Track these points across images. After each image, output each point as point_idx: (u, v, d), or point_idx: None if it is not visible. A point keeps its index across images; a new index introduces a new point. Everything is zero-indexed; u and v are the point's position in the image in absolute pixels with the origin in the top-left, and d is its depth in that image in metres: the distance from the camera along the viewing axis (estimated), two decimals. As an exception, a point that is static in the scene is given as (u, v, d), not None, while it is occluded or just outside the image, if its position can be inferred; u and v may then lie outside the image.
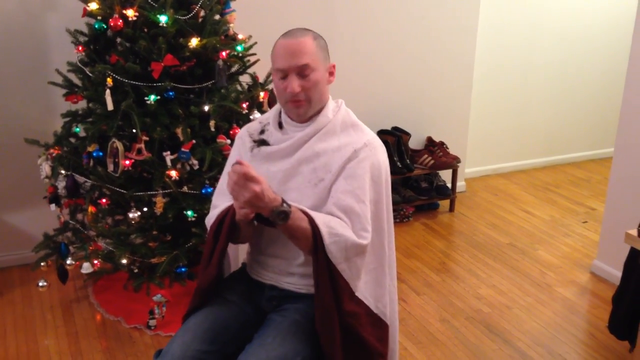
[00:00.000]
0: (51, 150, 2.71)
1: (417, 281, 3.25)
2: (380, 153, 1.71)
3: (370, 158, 1.67)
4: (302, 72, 1.65)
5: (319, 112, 1.72)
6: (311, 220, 1.57)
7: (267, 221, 1.58)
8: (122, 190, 2.60)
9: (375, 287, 1.73)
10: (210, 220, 1.78)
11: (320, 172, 1.67)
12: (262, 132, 1.80)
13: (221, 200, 1.79)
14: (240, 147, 1.83)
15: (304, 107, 1.69)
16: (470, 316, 2.93)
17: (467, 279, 3.28)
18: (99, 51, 2.68)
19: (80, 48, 2.66)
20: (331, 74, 1.74)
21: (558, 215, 4.10)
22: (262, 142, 1.78)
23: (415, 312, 2.96)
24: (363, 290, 1.69)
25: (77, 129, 2.72)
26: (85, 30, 2.72)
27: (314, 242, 1.56)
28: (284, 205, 1.53)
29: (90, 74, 2.60)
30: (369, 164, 1.66)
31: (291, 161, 1.70)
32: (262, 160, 1.75)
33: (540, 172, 4.93)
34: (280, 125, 1.78)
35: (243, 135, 1.84)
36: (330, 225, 1.58)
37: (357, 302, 1.67)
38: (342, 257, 1.59)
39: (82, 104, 2.75)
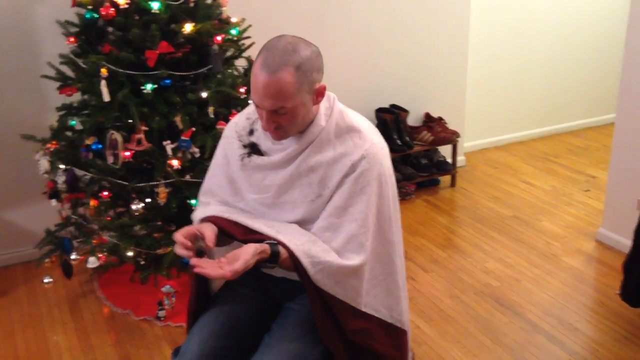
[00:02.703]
0: (48, 145, 2.67)
1: (423, 259, 3.24)
2: (380, 161, 1.56)
3: (370, 171, 1.53)
4: (277, 112, 1.48)
5: (311, 120, 1.57)
6: (291, 254, 1.48)
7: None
8: (124, 182, 2.57)
9: (387, 297, 1.65)
10: (197, 217, 1.70)
11: (317, 188, 1.56)
12: (251, 132, 1.67)
13: (209, 197, 1.75)
14: (227, 148, 1.71)
15: (282, 135, 1.55)
16: (479, 291, 2.92)
17: (473, 253, 3.28)
18: (91, 41, 2.62)
19: (71, 39, 2.60)
20: (319, 94, 1.53)
21: (559, 185, 4.10)
22: (253, 147, 1.65)
23: (424, 290, 2.95)
24: (373, 303, 1.62)
25: (73, 122, 2.67)
26: (75, 20, 2.66)
27: (298, 274, 1.50)
28: (272, 248, 1.48)
29: (84, 65, 2.55)
30: (368, 178, 1.53)
31: (284, 175, 1.58)
32: (253, 170, 1.64)
33: (538, 143, 4.92)
34: None
35: (230, 134, 1.71)
36: (311, 254, 1.49)
37: (365, 317, 1.59)
38: (331, 283, 1.51)
39: (77, 97, 2.70)
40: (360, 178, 1.53)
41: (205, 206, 1.74)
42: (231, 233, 1.56)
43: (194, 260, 1.44)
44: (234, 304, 1.70)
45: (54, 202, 2.77)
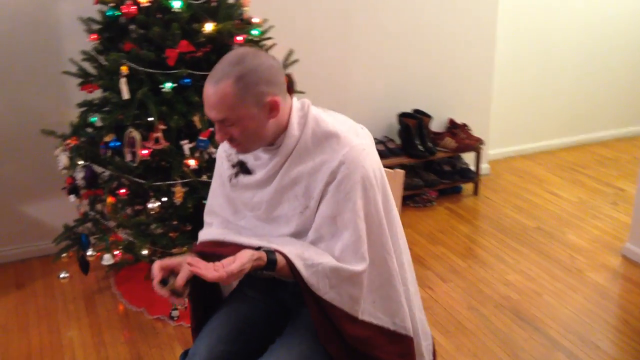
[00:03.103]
0: (68, 141, 2.67)
1: (442, 268, 3.18)
2: (362, 164, 1.49)
3: (351, 176, 1.48)
4: (224, 124, 1.46)
5: (282, 132, 1.53)
6: (285, 257, 1.46)
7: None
8: (141, 181, 2.56)
9: (386, 303, 1.59)
10: (203, 237, 1.71)
11: (303, 199, 1.54)
12: None
13: (212, 218, 1.74)
14: (220, 168, 1.71)
15: (243, 149, 1.53)
16: (499, 303, 2.85)
17: (494, 264, 3.20)
18: (113, 39, 2.62)
19: (93, 36, 2.61)
20: (273, 109, 1.47)
21: (586, 197, 3.99)
22: (241, 166, 1.64)
23: (442, 300, 2.89)
24: (372, 310, 1.57)
25: (94, 119, 2.68)
26: (98, 17, 2.66)
27: (294, 278, 1.47)
28: (269, 255, 1.45)
29: (105, 63, 2.55)
30: (350, 184, 1.49)
31: (270, 191, 1.57)
32: (242, 190, 1.64)
33: (565, 153, 4.81)
34: None
35: (220, 154, 1.71)
36: (304, 257, 1.47)
37: (364, 326, 1.55)
38: (326, 286, 1.48)
39: (98, 94, 2.70)
40: (341, 185, 1.49)
41: (208, 227, 1.75)
42: (223, 254, 1.53)
43: (189, 259, 1.42)
44: (243, 307, 1.68)
45: (72, 197, 2.77)
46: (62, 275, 2.80)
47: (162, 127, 2.47)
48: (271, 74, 1.46)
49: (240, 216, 1.68)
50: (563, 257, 3.25)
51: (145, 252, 2.62)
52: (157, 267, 1.49)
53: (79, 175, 2.68)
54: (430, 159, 3.92)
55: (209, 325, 1.65)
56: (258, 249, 1.48)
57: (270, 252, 1.46)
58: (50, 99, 3.09)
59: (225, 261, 1.41)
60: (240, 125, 1.46)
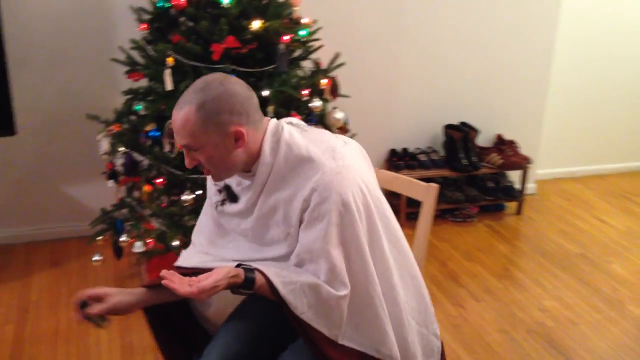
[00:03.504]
0: (111, 127, 2.71)
1: (476, 286, 3.08)
2: (337, 189, 1.41)
3: (324, 203, 1.41)
4: (189, 149, 1.45)
5: (256, 159, 1.49)
6: (264, 275, 1.43)
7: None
8: (178, 172, 2.57)
9: (370, 331, 1.51)
10: (183, 259, 1.70)
11: (284, 226, 1.51)
12: None
13: (200, 239, 1.71)
14: (210, 191, 1.69)
15: (214, 176, 1.51)
16: (531, 329, 2.74)
17: (531, 288, 3.09)
18: (162, 29, 2.64)
19: (143, 26, 2.64)
20: (238, 138, 1.43)
21: (636, 227, 3.81)
22: (227, 190, 1.61)
23: (472, 319, 2.80)
24: (353, 336, 1.50)
25: (138, 107, 2.70)
26: (149, 7, 2.69)
27: (274, 295, 1.43)
28: (246, 273, 1.42)
29: (152, 52, 2.57)
30: (323, 211, 1.42)
31: (252, 220, 1.55)
32: (229, 217, 1.63)
33: (619, 179, 4.61)
34: None
35: (210, 178, 1.69)
36: (282, 274, 1.44)
37: (344, 350, 1.48)
38: (304, 305, 1.43)
39: (144, 82, 2.73)
40: (314, 212, 1.43)
41: (192, 246, 1.74)
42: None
43: (164, 272, 1.40)
44: (258, 313, 1.66)
45: (111, 182, 2.82)
46: (95, 258, 2.85)
47: (201, 120, 2.47)
48: (235, 103, 1.42)
49: (229, 239, 1.66)
50: (605, 287, 3.11)
51: (176, 242, 2.63)
52: (83, 292, 1.50)
53: (119, 161, 2.72)
54: (474, 174, 3.82)
55: (224, 326, 1.64)
56: (238, 266, 1.45)
57: (249, 270, 1.43)
58: (98, 84, 3.15)
59: (202, 276, 1.38)
60: (204, 153, 1.43)
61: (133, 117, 2.75)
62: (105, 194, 3.09)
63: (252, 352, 1.58)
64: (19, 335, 2.56)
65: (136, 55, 2.72)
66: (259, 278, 1.42)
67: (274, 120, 1.54)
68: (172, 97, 2.48)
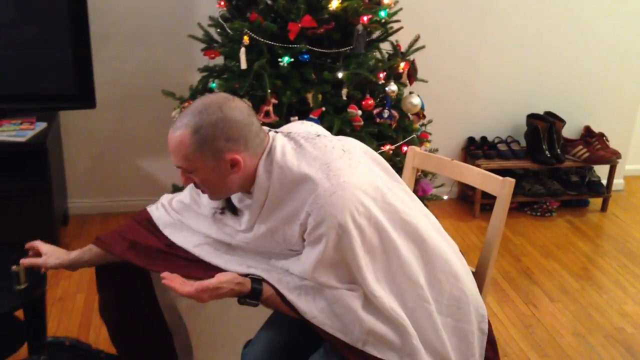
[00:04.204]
0: (185, 104, 2.73)
1: (552, 285, 2.93)
2: (332, 212, 1.35)
3: (320, 227, 1.37)
4: (183, 169, 1.42)
5: (253, 182, 1.45)
6: (267, 283, 1.42)
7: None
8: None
9: (389, 340, 1.44)
10: (153, 217, 1.72)
11: (284, 244, 1.48)
12: None
13: (175, 206, 1.71)
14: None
15: (210, 196, 1.48)
16: (609, 334, 2.58)
17: (611, 290, 2.91)
18: (240, 7, 2.63)
19: (222, 3, 2.63)
20: (234, 165, 1.40)
21: None
22: (228, 203, 1.57)
23: (545, 320, 2.66)
24: (376, 343, 1.43)
25: (214, 84, 2.71)
26: (229, -15, 2.68)
27: (283, 302, 1.40)
28: (254, 283, 1.40)
29: (229, 30, 2.56)
30: (318, 235, 1.38)
31: (251, 237, 1.52)
32: (227, 226, 1.59)
33: None
34: None
35: None
36: (286, 280, 1.44)
37: (367, 358, 1.42)
38: (314, 309, 1.39)
39: (220, 60, 2.73)
40: (311, 236, 1.39)
41: (162, 207, 1.75)
42: (193, 275, 1.47)
43: (165, 274, 1.39)
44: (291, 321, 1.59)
45: (184, 159, 2.85)
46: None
47: (274, 101, 2.44)
48: (233, 130, 1.38)
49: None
50: (695, 296, 2.89)
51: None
52: (32, 242, 1.68)
53: (193, 138, 2.74)
54: (557, 167, 3.62)
55: (268, 320, 1.65)
56: (246, 275, 1.43)
57: (256, 281, 1.41)
58: (176, 61, 3.19)
59: (205, 281, 1.38)
60: (199, 175, 1.41)
61: (208, 95, 2.76)
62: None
63: (294, 339, 1.58)
64: (89, 305, 2.64)
65: (214, 32, 2.72)
66: (266, 289, 1.41)
67: (272, 135, 1.49)
68: (246, 77, 2.47)
